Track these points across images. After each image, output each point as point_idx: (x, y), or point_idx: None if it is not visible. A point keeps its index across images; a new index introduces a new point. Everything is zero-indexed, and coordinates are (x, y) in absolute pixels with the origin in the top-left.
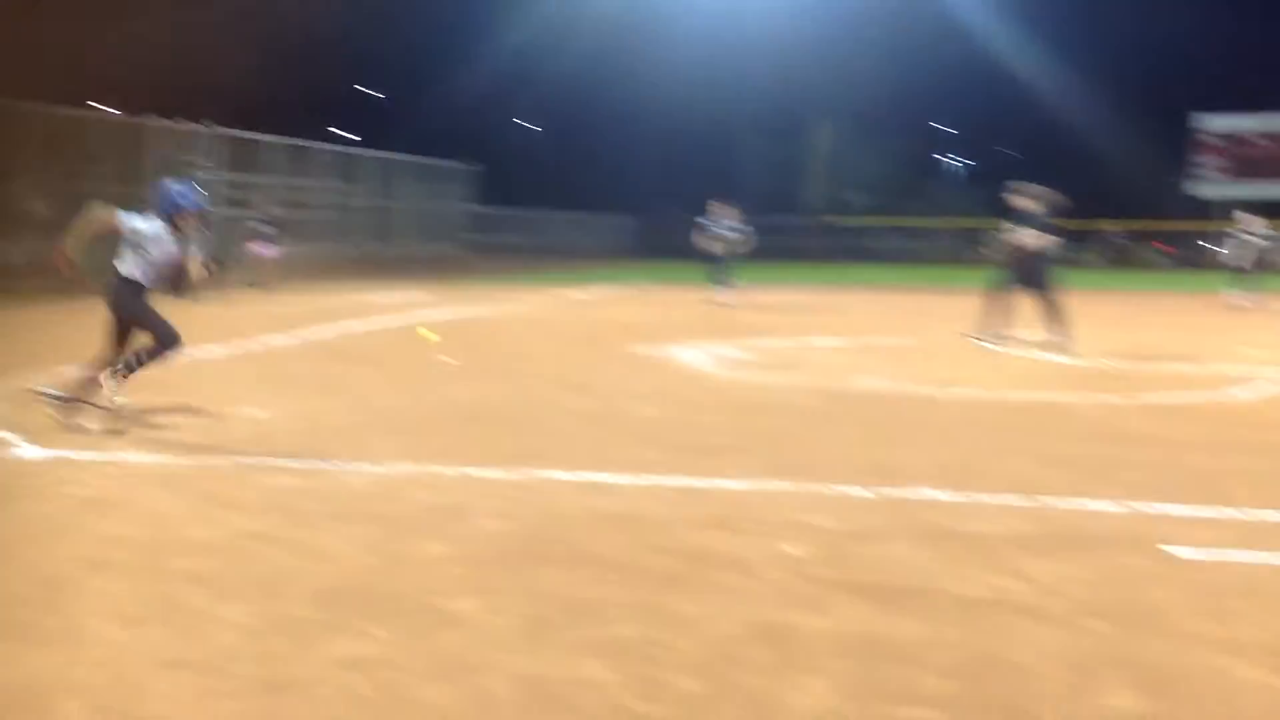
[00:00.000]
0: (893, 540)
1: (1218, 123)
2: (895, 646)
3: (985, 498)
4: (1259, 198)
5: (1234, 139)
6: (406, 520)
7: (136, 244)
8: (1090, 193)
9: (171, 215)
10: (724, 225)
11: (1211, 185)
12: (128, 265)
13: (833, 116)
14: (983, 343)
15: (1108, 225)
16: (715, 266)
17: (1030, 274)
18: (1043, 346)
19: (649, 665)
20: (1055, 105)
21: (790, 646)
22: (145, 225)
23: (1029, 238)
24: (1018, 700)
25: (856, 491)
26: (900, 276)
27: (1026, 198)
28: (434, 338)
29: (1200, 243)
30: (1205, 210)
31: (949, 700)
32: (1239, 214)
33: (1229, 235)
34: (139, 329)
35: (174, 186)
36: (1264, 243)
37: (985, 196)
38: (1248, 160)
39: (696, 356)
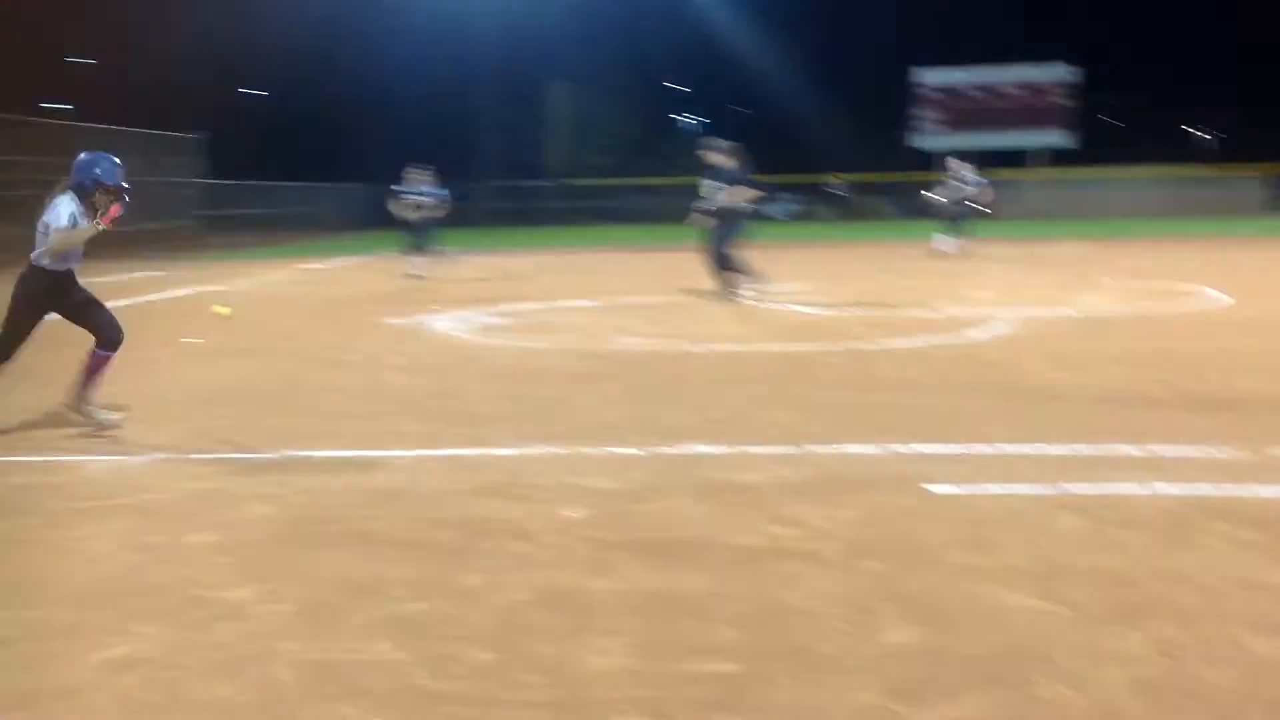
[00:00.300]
0: (669, 497)
1: (933, 76)
2: (683, 601)
3: (753, 448)
4: (973, 147)
5: (949, 91)
6: (167, 510)
7: (46, 230)
8: (819, 147)
9: (89, 188)
10: (419, 191)
11: (930, 137)
12: (36, 251)
13: (569, 78)
14: (733, 298)
15: (835, 178)
16: (412, 235)
17: (724, 229)
18: (739, 296)
19: (438, 641)
20: (785, 63)
21: (580, 610)
22: (56, 209)
23: (725, 194)
24: (804, 643)
25: (628, 451)
26: (644, 235)
27: (718, 154)
28: (225, 312)
29: (923, 193)
30: (927, 161)
31: (740, 649)
32: (951, 161)
33: (941, 183)
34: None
35: (95, 158)
36: (973, 189)
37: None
38: (962, 111)
39: (451, 325)
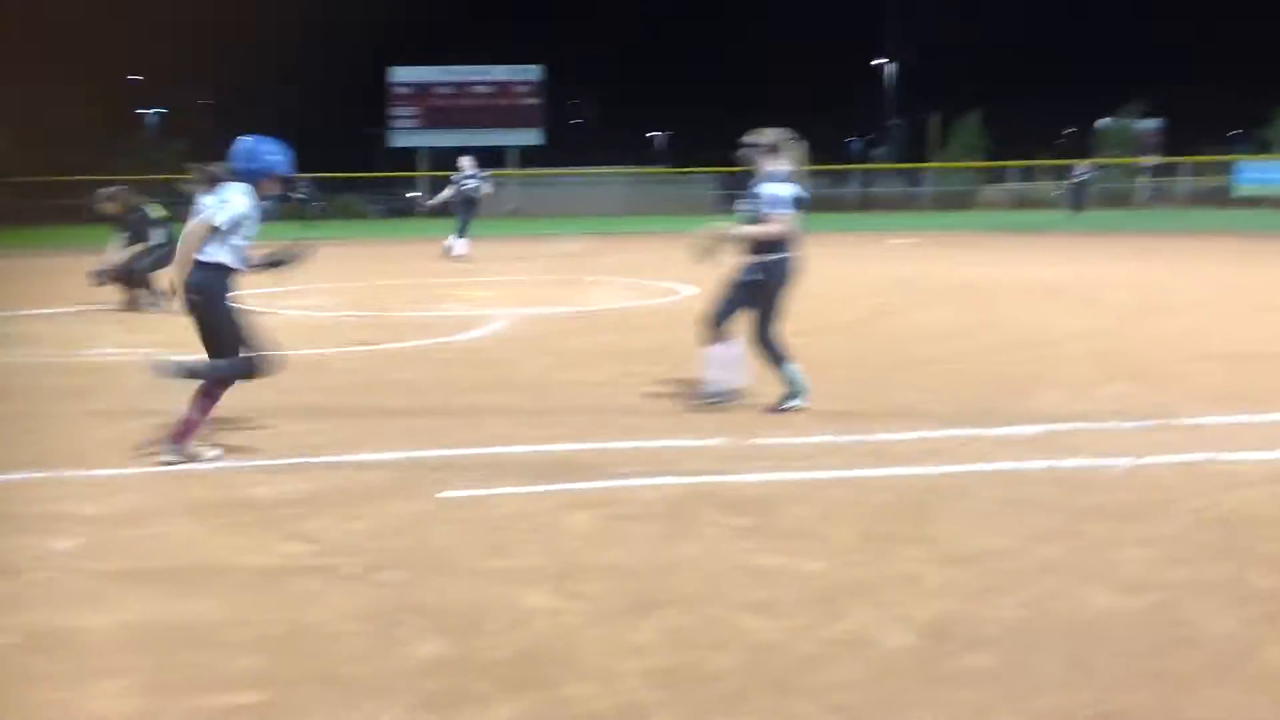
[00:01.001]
0: (167, 519)
1: (407, 74)
2: (194, 631)
3: (257, 461)
4: (449, 145)
5: (424, 90)
6: None
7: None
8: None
9: (259, 178)
10: None
11: (407, 135)
12: (211, 249)
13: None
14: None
15: (308, 176)
16: None
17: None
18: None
19: None
20: (257, 54)
21: (79, 650)
22: (239, 205)
23: (129, 249)
24: (329, 665)
25: (115, 471)
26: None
27: (114, 205)
28: None
29: (409, 194)
30: (412, 159)
31: (263, 677)
32: (461, 160)
33: (451, 182)
34: (215, 339)
35: (265, 142)
36: (482, 185)
37: (185, 147)
38: (438, 110)
39: None
